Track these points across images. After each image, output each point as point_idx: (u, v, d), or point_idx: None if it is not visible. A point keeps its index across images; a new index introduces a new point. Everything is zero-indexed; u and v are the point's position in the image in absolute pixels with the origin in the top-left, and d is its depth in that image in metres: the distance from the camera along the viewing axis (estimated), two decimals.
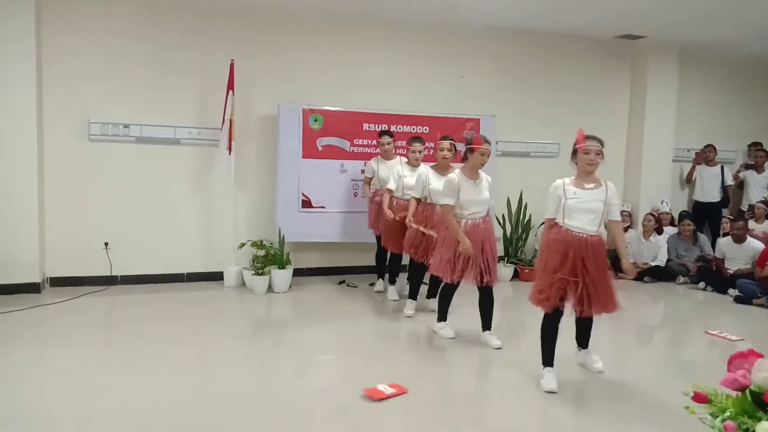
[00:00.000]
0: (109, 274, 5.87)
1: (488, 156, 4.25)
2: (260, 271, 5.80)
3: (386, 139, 5.67)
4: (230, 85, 5.83)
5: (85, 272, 5.81)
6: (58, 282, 5.72)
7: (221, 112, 5.89)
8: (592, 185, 3.60)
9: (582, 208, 3.53)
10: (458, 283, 4.27)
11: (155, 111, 5.91)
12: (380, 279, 5.97)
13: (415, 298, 5.13)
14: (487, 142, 4.23)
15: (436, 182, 4.79)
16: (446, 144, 4.86)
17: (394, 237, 5.30)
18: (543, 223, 3.83)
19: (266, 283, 5.82)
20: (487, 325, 4.36)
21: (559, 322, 3.58)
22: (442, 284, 4.46)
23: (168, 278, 6.07)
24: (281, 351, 4.19)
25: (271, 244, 5.95)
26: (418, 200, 4.92)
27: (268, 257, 5.89)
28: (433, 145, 5.86)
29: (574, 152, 3.65)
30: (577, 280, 3.46)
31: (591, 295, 3.52)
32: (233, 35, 6.09)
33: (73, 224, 5.74)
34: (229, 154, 5.93)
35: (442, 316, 4.51)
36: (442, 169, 4.89)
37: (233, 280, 6.03)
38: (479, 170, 4.30)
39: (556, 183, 3.65)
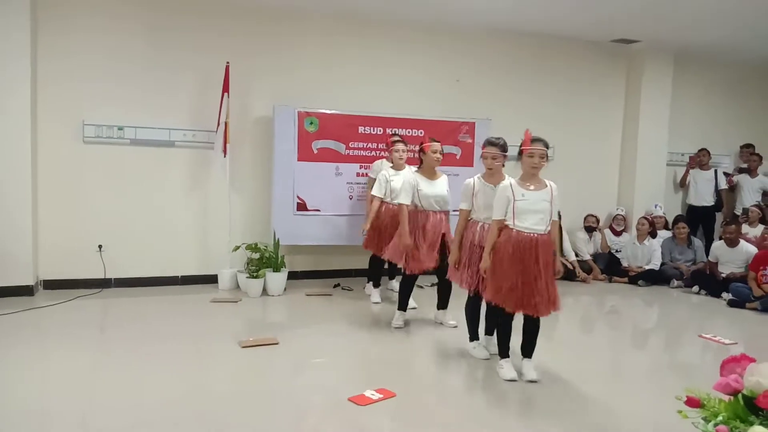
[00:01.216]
0: (103, 277, 5.85)
1: (492, 158, 4.02)
2: (255, 274, 5.79)
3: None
4: (225, 88, 5.82)
5: (79, 275, 5.78)
6: (51, 285, 5.69)
7: (216, 115, 5.88)
8: (537, 186, 3.70)
9: (531, 209, 3.63)
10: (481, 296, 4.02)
11: (150, 113, 5.90)
12: (375, 288, 5.83)
13: (404, 310, 4.90)
14: (492, 144, 4.06)
15: (427, 187, 4.62)
16: (438, 146, 4.62)
17: (378, 239, 5.30)
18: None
19: (261, 286, 5.81)
20: (489, 331, 4.28)
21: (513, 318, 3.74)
22: (468, 299, 4.21)
23: (162, 281, 6.05)
24: (275, 353, 4.17)
25: (266, 246, 5.94)
26: (408, 207, 4.65)
27: (263, 260, 5.88)
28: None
29: (520, 153, 3.75)
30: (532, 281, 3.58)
31: (541, 295, 3.58)
32: (229, 36, 6.09)
33: (67, 226, 5.72)
34: (224, 156, 5.92)
35: (473, 335, 4.24)
36: (430, 172, 4.69)
37: (228, 283, 6.01)
38: (502, 173, 4.09)
39: (504, 184, 3.75)
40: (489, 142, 4.10)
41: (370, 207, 5.46)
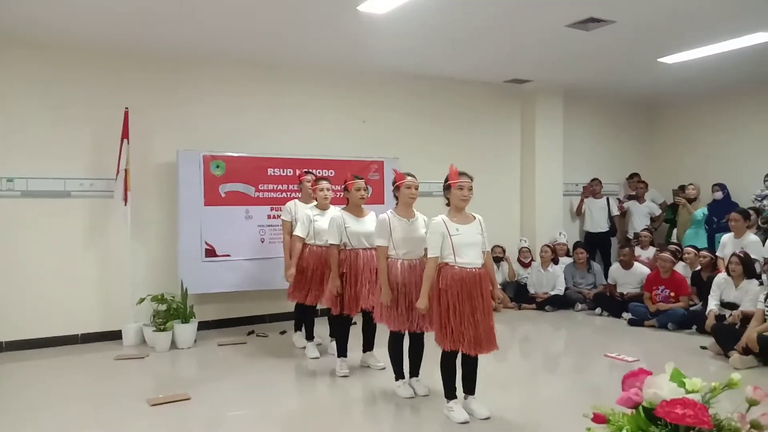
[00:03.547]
0: None
1: (416, 188, 4.07)
2: (162, 327, 5.52)
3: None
4: (125, 134, 5.62)
5: None
6: None
7: (116, 162, 5.64)
8: (467, 219, 3.70)
9: (468, 242, 3.59)
10: (411, 333, 4.02)
11: (43, 162, 5.57)
12: (299, 331, 5.59)
13: (345, 355, 4.72)
14: (409, 175, 4.11)
15: (355, 225, 4.53)
16: (362, 183, 4.58)
17: (304, 285, 5.02)
18: None
19: (169, 339, 5.54)
20: (414, 371, 4.22)
21: (456, 356, 3.65)
22: (389, 337, 4.14)
23: (60, 341, 5.63)
24: (187, 409, 3.96)
25: (173, 297, 5.69)
26: (338, 247, 4.52)
27: (170, 311, 5.62)
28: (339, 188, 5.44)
29: (447, 188, 3.73)
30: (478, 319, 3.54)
31: (485, 333, 3.56)
32: (128, 83, 5.90)
33: None
34: (125, 204, 5.67)
35: (399, 374, 4.19)
36: (357, 210, 4.61)
37: (132, 339, 5.68)
38: (413, 208, 4.12)
39: (437, 220, 3.65)
40: (409, 174, 4.12)
41: (292, 250, 5.10)
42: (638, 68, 7.09)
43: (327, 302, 4.67)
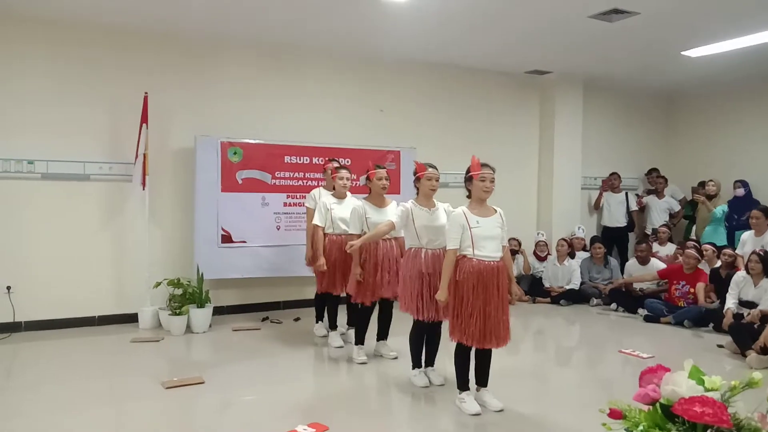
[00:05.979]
0: (12, 321, 5.45)
1: (436, 180, 4.05)
2: (177, 311, 5.57)
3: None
4: (144, 119, 5.65)
5: None
6: None
7: (134, 146, 5.68)
8: (488, 212, 3.67)
9: (487, 235, 3.56)
10: (429, 323, 3.99)
11: (63, 145, 5.63)
12: (320, 322, 5.55)
13: (362, 343, 4.73)
14: (431, 167, 4.09)
15: (375, 215, 4.49)
16: (383, 172, 4.54)
17: (333, 277, 4.98)
18: None
19: (184, 323, 5.59)
20: (430, 361, 4.23)
21: (471, 348, 3.64)
22: (413, 326, 4.11)
23: (78, 322, 5.71)
24: (200, 393, 4.00)
25: (189, 281, 5.74)
26: (358, 236, 4.45)
27: (186, 296, 5.67)
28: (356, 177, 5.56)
29: (469, 179, 3.69)
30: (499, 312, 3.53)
31: (495, 327, 3.53)
32: (147, 67, 5.93)
33: None
34: (143, 189, 5.72)
35: (417, 363, 4.19)
36: (379, 200, 4.59)
37: (149, 322, 5.74)
38: (433, 198, 4.10)
39: (457, 212, 3.64)
40: (430, 165, 4.10)
41: (314, 239, 5.01)
42: (661, 61, 6.98)
43: (349, 290, 4.67)
